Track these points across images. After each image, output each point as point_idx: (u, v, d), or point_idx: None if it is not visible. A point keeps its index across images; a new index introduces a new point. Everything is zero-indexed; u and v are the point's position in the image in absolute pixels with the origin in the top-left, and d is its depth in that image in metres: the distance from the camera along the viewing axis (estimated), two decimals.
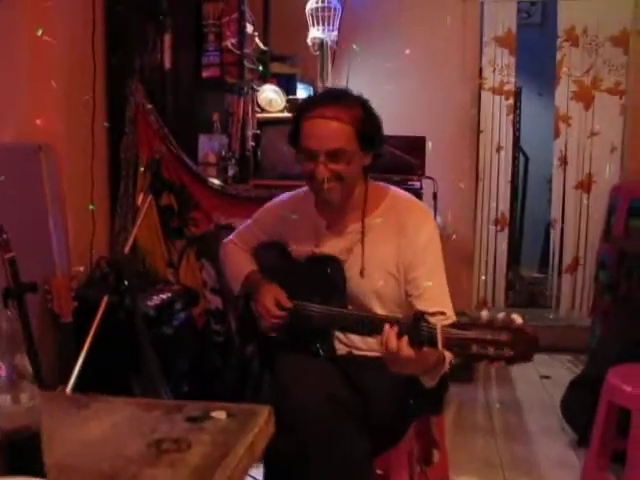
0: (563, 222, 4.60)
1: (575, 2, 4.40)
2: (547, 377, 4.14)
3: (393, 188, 2.14)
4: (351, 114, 1.93)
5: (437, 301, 1.90)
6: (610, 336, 3.46)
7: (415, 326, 1.67)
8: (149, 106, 3.29)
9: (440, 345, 1.61)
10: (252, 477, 2.30)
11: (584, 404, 3.01)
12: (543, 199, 5.33)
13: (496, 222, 4.65)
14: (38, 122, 3.00)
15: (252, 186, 3.30)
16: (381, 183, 2.15)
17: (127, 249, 2.33)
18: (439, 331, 1.61)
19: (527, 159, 5.98)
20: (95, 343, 2.55)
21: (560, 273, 4.65)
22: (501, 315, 1.57)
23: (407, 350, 1.66)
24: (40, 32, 2.80)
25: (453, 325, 1.62)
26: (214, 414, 1.40)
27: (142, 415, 1.42)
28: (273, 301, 2.07)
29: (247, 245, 2.32)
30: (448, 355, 1.82)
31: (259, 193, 3.15)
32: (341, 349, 2.07)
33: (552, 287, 4.72)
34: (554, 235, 4.66)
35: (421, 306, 1.83)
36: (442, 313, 1.69)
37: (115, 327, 2.42)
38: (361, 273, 2.01)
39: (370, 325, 1.81)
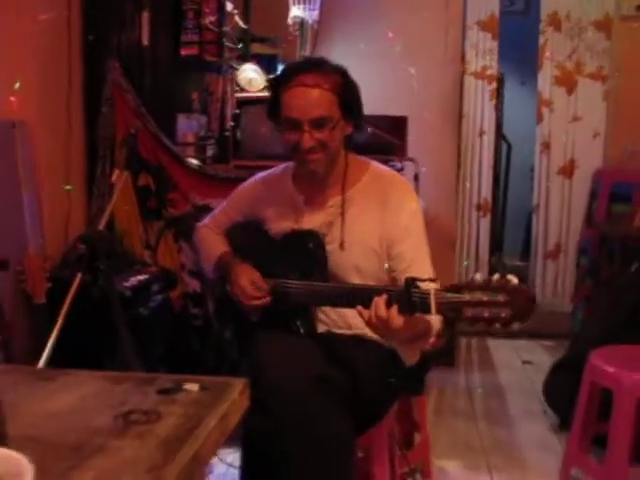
0: (546, 208, 4.57)
1: None
2: (529, 362, 4.14)
3: (374, 162, 2.11)
4: (332, 81, 1.91)
5: (425, 273, 1.85)
6: (592, 319, 3.45)
7: (407, 292, 1.63)
8: (126, 84, 3.22)
9: (434, 310, 1.58)
10: (229, 464, 2.27)
11: (566, 387, 2.99)
12: (525, 187, 5.30)
13: (478, 207, 4.63)
14: (12, 99, 2.93)
15: (232, 166, 3.24)
16: (362, 157, 2.11)
17: (101, 226, 2.26)
18: (432, 295, 1.58)
19: (509, 147, 5.94)
20: (68, 323, 2.50)
21: (543, 259, 4.63)
22: (496, 276, 1.54)
23: (397, 319, 1.63)
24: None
25: (446, 289, 1.59)
26: (187, 386, 1.35)
27: (112, 388, 1.37)
28: (248, 281, 2.02)
29: (221, 228, 2.27)
30: (435, 326, 1.80)
31: (238, 174, 3.08)
32: (320, 328, 2.03)
33: (534, 273, 4.70)
34: (537, 221, 4.65)
35: None
36: (432, 280, 1.65)
37: (89, 306, 2.36)
38: (341, 245, 1.97)
39: (355, 297, 1.76)
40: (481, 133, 4.57)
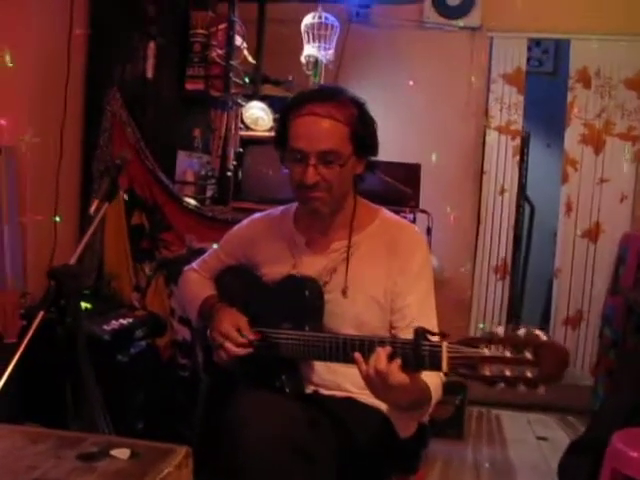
0: (568, 273, 4.32)
1: (588, 42, 4.20)
2: (544, 438, 3.84)
3: (384, 209, 1.91)
4: (346, 113, 1.72)
5: None
6: (615, 396, 3.15)
7: (416, 343, 1.41)
8: (126, 117, 3.08)
9: (445, 365, 1.37)
10: None
11: (584, 471, 2.69)
12: (548, 252, 5.06)
13: (496, 269, 4.37)
14: (3, 122, 2.79)
15: (231, 209, 3.04)
16: (371, 203, 1.92)
17: (73, 260, 2.06)
18: (444, 348, 1.37)
19: (533, 209, 5.74)
20: (30, 365, 2.30)
21: (563, 326, 4.35)
22: (522, 330, 1.32)
23: (398, 375, 1.41)
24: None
25: (460, 342, 1.37)
26: (114, 452, 1.12)
27: (25, 447, 1.15)
28: (232, 327, 1.79)
29: (210, 272, 2.07)
30: (436, 393, 1.58)
31: (237, 216, 2.89)
32: (308, 388, 1.80)
33: None
34: (557, 285, 4.38)
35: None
36: (444, 336, 1.42)
37: (53, 348, 2.15)
38: (343, 293, 1.77)
39: (355, 347, 1.53)
40: (502, 191, 4.34)
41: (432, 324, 1.71)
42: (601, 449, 2.38)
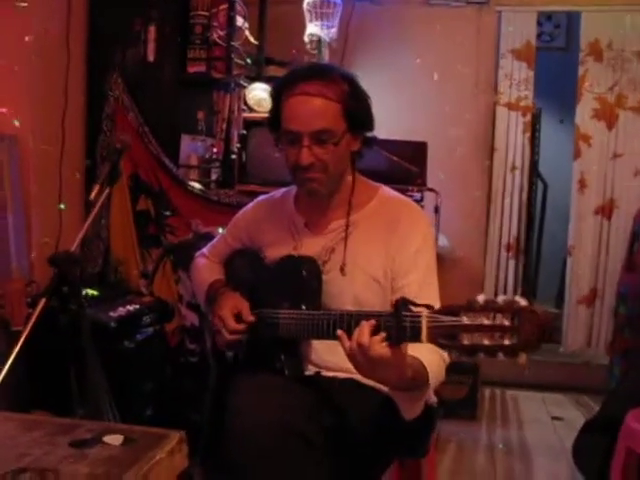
0: (582, 250, 4.25)
1: (600, 14, 4.10)
2: (559, 418, 3.79)
3: (385, 187, 1.86)
4: (337, 90, 1.67)
5: None
6: (631, 375, 3.09)
7: (396, 315, 1.36)
8: (128, 102, 3.05)
9: (424, 335, 1.32)
10: None
11: (599, 450, 2.64)
12: (562, 229, 4.99)
13: (508, 248, 4.31)
14: (3, 111, 2.76)
15: (236, 192, 3.01)
16: (371, 181, 1.87)
17: (74, 247, 2.04)
18: (424, 318, 1.32)
19: (545, 186, 5.66)
20: (35, 353, 2.29)
21: (577, 305, 4.29)
22: (501, 297, 1.26)
23: (380, 348, 1.36)
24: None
25: (442, 311, 1.32)
26: (107, 438, 1.10)
27: (19, 435, 1.13)
28: (231, 313, 1.77)
29: (219, 256, 2.05)
30: (434, 375, 1.53)
31: (242, 199, 2.86)
32: (309, 369, 1.77)
33: (567, 320, 4.35)
34: (571, 263, 4.32)
35: None
36: (429, 307, 1.36)
37: (58, 335, 2.14)
38: (342, 270, 1.73)
39: (342, 323, 1.50)
40: (513, 168, 4.27)
41: (434, 302, 1.67)
42: (616, 428, 2.34)
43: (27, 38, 2.78)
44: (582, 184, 4.23)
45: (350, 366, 1.71)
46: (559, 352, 4.34)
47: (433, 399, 1.85)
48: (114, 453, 1.06)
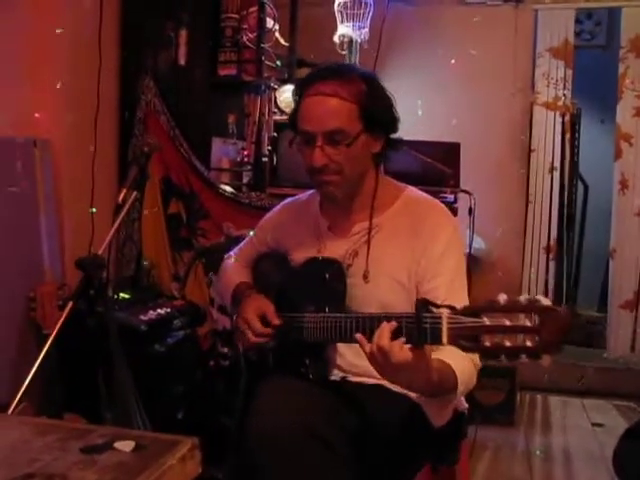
0: (624, 253, 4.15)
1: None
2: (599, 425, 3.69)
3: (411, 188, 1.82)
4: (353, 89, 1.64)
5: None
6: None
7: (417, 317, 1.33)
8: (160, 106, 3.06)
9: (445, 337, 1.29)
10: None
11: None
12: (604, 231, 4.88)
13: (547, 250, 4.22)
14: (36, 115, 2.79)
15: (267, 195, 2.99)
16: (396, 182, 1.83)
17: (101, 250, 2.04)
18: (444, 320, 1.29)
19: (586, 187, 5.54)
20: (67, 357, 2.30)
21: (619, 309, 4.18)
22: (523, 297, 1.22)
23: (401, 351, 1.33)
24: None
25: (463, 312, 1.28)
26: (118, 444, 1.09)
27: (31, 440, 1.13)
28: (256, 315, 1.75)
29: (246, 259, 2.04)
30: (463, 381, 1.49)
31: (274, 202, 2.84)
32: (335, 374, 1.74)
33: (610, 325, 4.24)
34: (613, 266, 4.21)
35: None
36: (451, 307, 1.33)
37: (85, 338, 2.15)
38: (364, 277, 1.70)
39: (364, 327, 1.47)
40: (552, 169, 4.18)
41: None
42: None
43: (60, 43, 2.80)
44: (623, 185, 4.13)
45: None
46: (603, 357, 4.25)
47: (463, 405, 1.81)
48: (124, 459, 1.04)
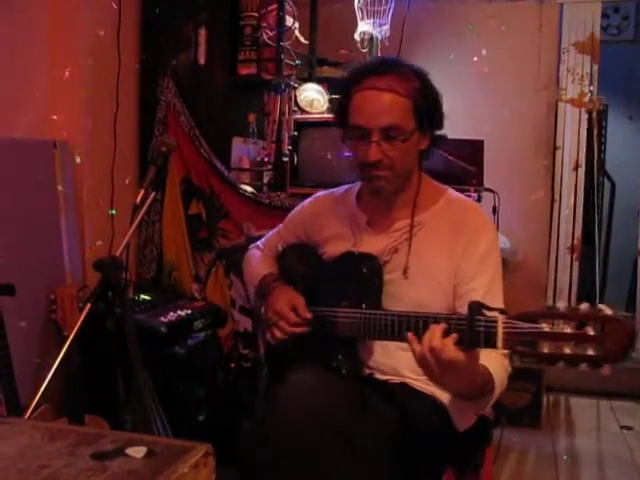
0: None
1: None
2: (629, 428, 3.63)
3: (451, 189, 1.82)
4: (408, 85, 1.64)
5: None
6: None
7: (469, 319, 1.32)
8: (180, 106, 3.05)
9: (500, 342, 1.28)
10: None
11: None
12: (632, 230, 4.79)
13: (572, 249, 4.14)
14: (55, 117, 2.79)
15: (288, 195, 2.96)
16: (437, 182, 1.82)
17: (119, 251, 2.02)
18: (500, 325, 1.27)
19: (613, 185, 5.44)
20: (88, 359, 2.29)
21: None
22: (584, 305, 1.21)
23: (453, 351, 1.32)
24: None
25: (519, 317, 1.27)
26: (129, 450, 1.06)
27: (42, 445, 1.11)
28: (287, 306, 1.73)
29: (273, 250, 2.02)
30: (499, 385, 1.49)
31: (294, 202, 2.81)
32: (363, 371, 1.73)
33: (638, 325, 4.15)
34: None
35: None
36: (503, 312, 1.32)
37: (105, 340, 2.14)
38: (404, 273, 1.68)
39: (409, 325, 1.46)
40: (576, 167, 4.10)
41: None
42: None
43: (79, 44, 2.80)
44: None
45: (405, 371, 1.68)
46: (632, 358, 4.16)
47: (488, 410, 1.77)
48: (135, 466, 1.01)
